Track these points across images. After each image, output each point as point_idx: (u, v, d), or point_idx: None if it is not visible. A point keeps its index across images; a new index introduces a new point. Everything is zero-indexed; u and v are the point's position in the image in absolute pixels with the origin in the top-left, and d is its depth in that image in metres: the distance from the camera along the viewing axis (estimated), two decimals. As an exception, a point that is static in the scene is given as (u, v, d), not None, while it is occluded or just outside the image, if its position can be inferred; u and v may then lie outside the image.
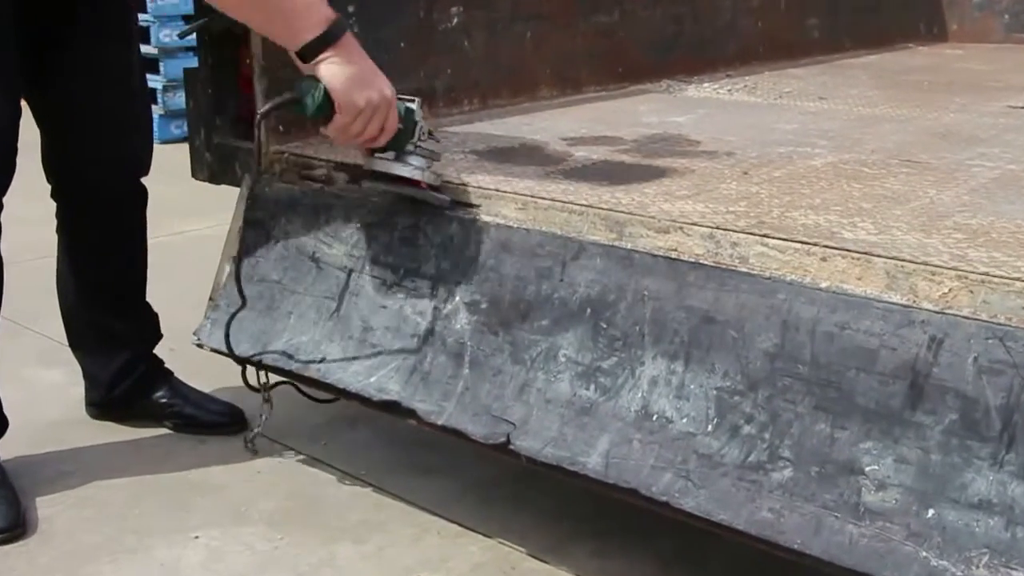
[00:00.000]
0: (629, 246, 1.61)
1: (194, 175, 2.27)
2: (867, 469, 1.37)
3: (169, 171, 2.66)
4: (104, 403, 2.32)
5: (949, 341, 1.33)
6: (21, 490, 2.03)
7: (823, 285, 1.44)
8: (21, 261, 2.40)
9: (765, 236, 1.51)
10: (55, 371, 2.57)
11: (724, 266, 1.52)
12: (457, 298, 1.77)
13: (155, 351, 2.35)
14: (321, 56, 1.65)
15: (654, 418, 1.54)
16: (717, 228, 1.55)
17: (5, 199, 1.97)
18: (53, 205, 2.21)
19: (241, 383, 2.09)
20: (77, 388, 2.37)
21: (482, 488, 2.08)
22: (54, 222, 2.23)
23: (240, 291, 1.91)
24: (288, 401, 2.19)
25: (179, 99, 5.13)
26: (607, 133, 2.26)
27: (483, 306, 1.74)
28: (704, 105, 2.64)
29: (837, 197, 1.72)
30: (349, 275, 1.92)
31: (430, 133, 1.79)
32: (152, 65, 5.16)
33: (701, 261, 1.54)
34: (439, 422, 1.73)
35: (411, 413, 1.77)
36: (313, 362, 1.90)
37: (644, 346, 1.57)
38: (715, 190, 1.77)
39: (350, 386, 1.85)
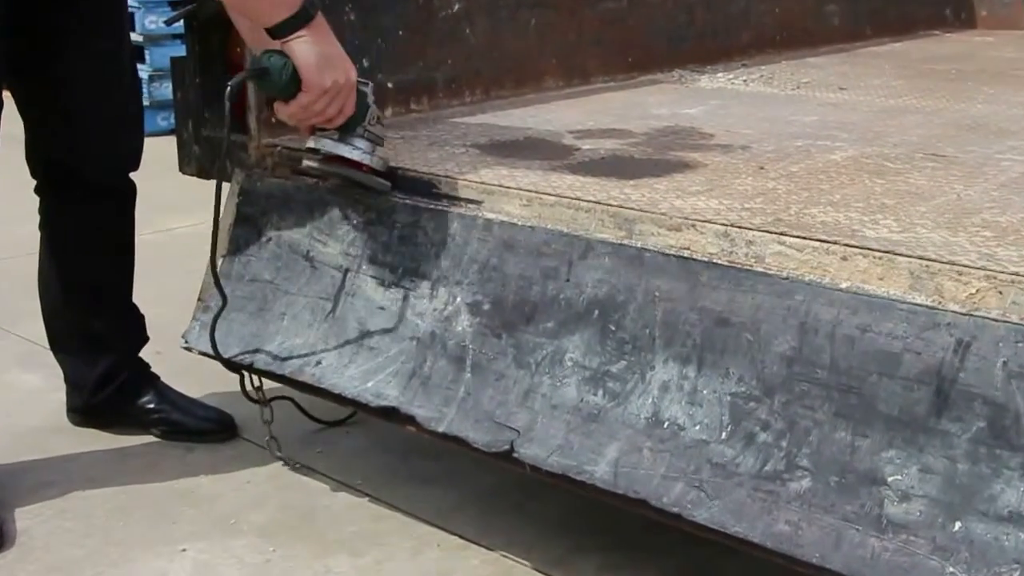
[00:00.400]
0: (639, 244, 1.61)
1: (182, 169, 2.28)
2: (890, 479, 1.37)
3: (156, 165, 2.65)
4: (87, 409, 2.33)
5: (977, 344, 1.33)
6: None
7: (843, 286, 1.44)
8: (1, 259, 2.40)
9: (782, 234, 1.52)
10: (35, 375, 2.58)
11: (739, 266, 1.52)
12: (458, 299, 1.77)
13: (141, 354, 2.35)
14: (293, 35, 1.72)
15: (665, 425, 1.54)
16: (732, 226, 1.55)
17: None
18: (36, 200, 2.22)
19: (231, 388, 2.09)
20: (59, 393, 2.37)
21: (484, 499, 2.09)
22: (37, 218, 2.24)
23: (219, 287, 1.92)
24: (280, 406, 2.19)
25: (166, 89, 5.14)
26: (616, 126, 2.27)
27: (486, 307, 1.74)
28: (718, 96, 2.64)
29: (858, 193, 1.73)
30: (345, 275, 1.92)
31: (379, 119, 1.86)
32: (137, 53, 5.16)
33: (715, 260, 1.54)
34: (439, 429, 1.73)
35: (410, 419, 1.77)
36: (307, 366, 1.91)
37: (655, 349, 1.57)
38: (729, 186, 1.77)
39: (346, 391, 1.85)
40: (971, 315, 1.35)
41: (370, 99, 1.84)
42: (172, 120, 4.86)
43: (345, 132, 1.83)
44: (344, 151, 1.83)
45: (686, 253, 1.57)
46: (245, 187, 2.07)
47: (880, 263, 1.43)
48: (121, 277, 2.30)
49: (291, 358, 1.94)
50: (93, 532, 1.99)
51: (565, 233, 1.68)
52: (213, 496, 2.11)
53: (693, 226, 1.58)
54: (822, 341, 1.43)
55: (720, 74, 2.92)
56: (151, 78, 5.28)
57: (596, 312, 1.63)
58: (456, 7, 2.39)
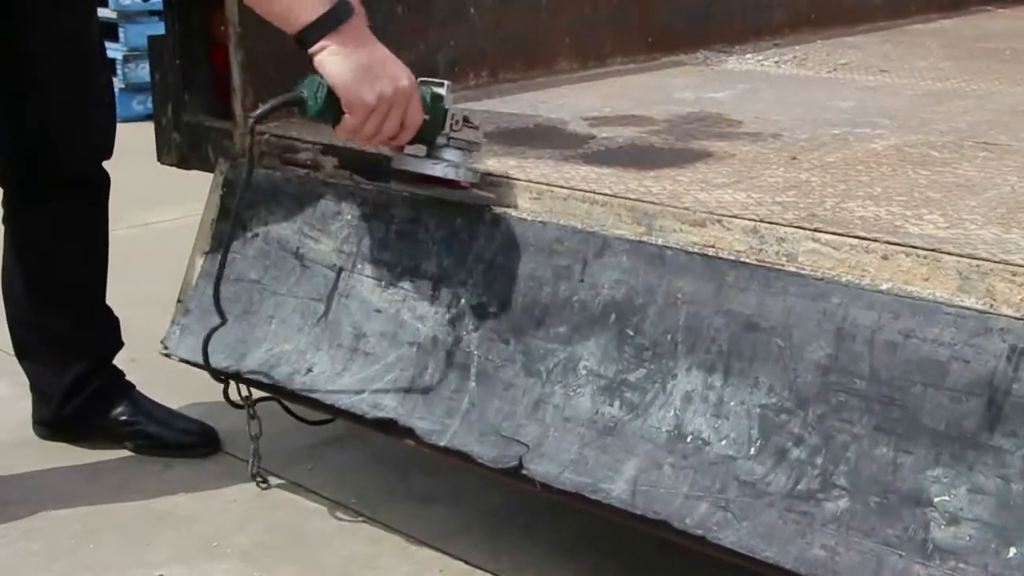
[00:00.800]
0: (660, 242, 1.62)
1: (160, 158, 2.29)
2: (936, 500, 1.37)
3: (131, 153, 2.66)
4: (55, 421, 2.34)
5: (1031, 352, 1.34)
6: (-40, 521, 2.05)
7: (884, 287, 1.44)
8: (-39, 257, 2.41)
9: (816, 231, 1.52)
10: (-1, 384, 2.59)
11: (769, 265, 1.52)
12: (463, 301, 1.78)
13: (114, 361, 2.36)
14: (320, 44, 1.62)
15: (688, 439, 1.55)
16: (761, 221, 1.56)
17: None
18: (-2, 192, 2.23)
19: (213, 398, 2.10)
20: (24, 403, 2.38)
21: (490, 519, 2.09)
22: None
23: (218, 305, 1.88)
24: (267, 418, 2.20)
25: (142, 71, 5.16)
26: (635, 112, 2.27)
27: (492, 310, 1.75)
28: (747, 79, 2.65)
29: (901, 185, 1.73)
30: (339, 274, 1.93)
31: (465, 120, 1.75)
32: (110, 31, 5.18)
33: (742, 259, 1.54)
34: (441, 443, 1.74)
35: (409, 432, 1.78)
36: (297, 374, 1.91)
37: (677, 356, 1.57)
38: (759, 177, 1.78)
39: (339, 401, 1.86)
40: (1025, 319, 1.35)
41: (448, 102, 1.73)
42: (149, 105, 4.87)
43: (425, 144, 1.73)
44: (426, 168, 1.73)
45: (711, 251, 1.57)
46: (230, 178, 2.08)
47: (925, 262, 1.43)
48: (93, 276, 2.31)
49: (279, 365, 1.94)
50: (61, 556, 2.00)
51: (579, 229, 1.69)
52: (193, 516, 2.11)
53: (719, 221, 1.58)
54: (861, 348, 1.43)
55: (749, 55, 2.92)
56: (126, 58, 5.30)
57: (613, 316, 1.63)
58: (460, -18, 2.39)
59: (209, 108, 2.20)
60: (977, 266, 1.40)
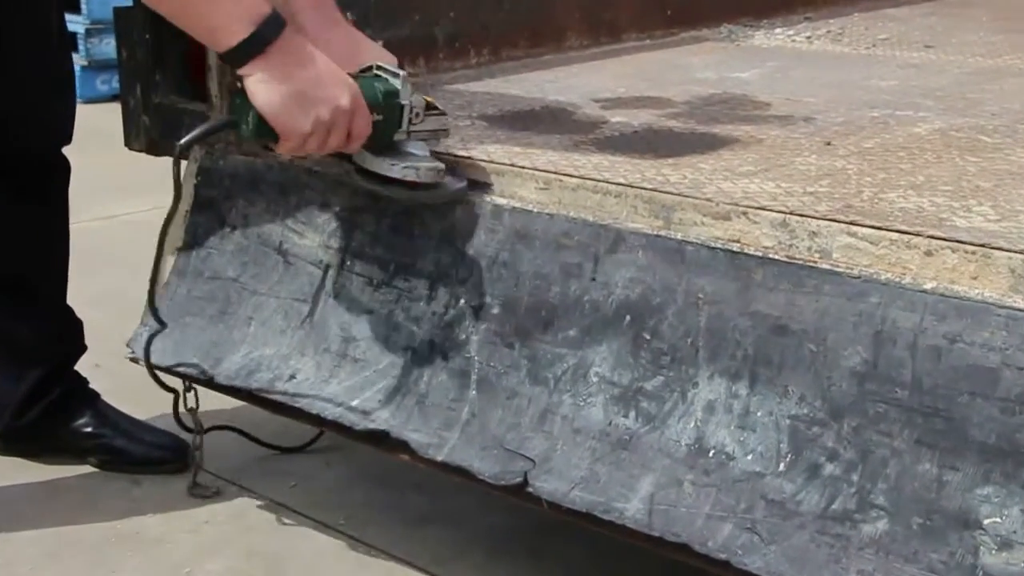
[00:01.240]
0: (679, 236, 1.62)
1: (128, 144, 2.29)
2: (986, 522, 1.37)
3: (95, 138, 2.68)
4: (10, 433, 2.34)
5: (1090, 358, 1.34)
6: (-93, 543, 2.05)
7: (928, 286, 1.44)
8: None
9: (853, 224, 1.52)
10: (-50, 392, 2.59)
11: (800, 262, 1.53)
12: (462, 301, 1.79)
13: (76, 367, 2.37)
14: (246, 69, 1.62)
15: (711, 454, 1.55)
16: (791, 214, 1.56)
17: None
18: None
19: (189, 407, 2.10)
20: (-22, 414, 2.39)
21: (491, 541, 2.10)
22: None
23: (154, 310, 1.89)
24: (245, 428, 2.21)
25: (107, 46, 5.17)
26: (652, 93, 2.28)
27: (494, 311, 1.76)
28: (776, 56, 2.65)
29: (947, 174, 1.73)
30: (326, 272, 1.94)
31: (428, 107, 1.76)
32: (71, 2, 5.19)
33: (770, 255, 1.55)
34: (439, 458, 1.74)
35: (403, 446, 1.78)
36: (279, 381, 1.92)
37: (698, 363, 1.58)
38: (789, 165, 1.78)
39: (326, 411, 1.86)
40: (1083, 322, 1.35)
41: (404, 96, 1.73)
42: (115, 84, 4.86)
43: (382, 144, 1.74)
44: (383, 168, 1.73)
45: (736, 247, 1.58)
46: (205, 165, 2.09)
47: (973, 259, 1.44)
48: (51, 273, 2.31)
49: (259, 371, 1.95)
50: (19, 581, 2.01)
51: (590, 222, 1.69)
52: (162, 539, 2.12)
53: (744, 214, 1.59)
54: (901, 353, 1.44)
55: (778, 29, 2.93)
56: (88, 32, 5.31)
57: (627, 317, 1.64)
58: (459, -52, 2.40)
59: (182, 88, 2.20)
60: (1031, 263, 1.41)
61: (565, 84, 2.35)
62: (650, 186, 1.69)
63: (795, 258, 1.53)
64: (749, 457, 1.52)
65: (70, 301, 2.35)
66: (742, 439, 1.53)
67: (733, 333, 1.56)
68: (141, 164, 2.43)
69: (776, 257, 1.55)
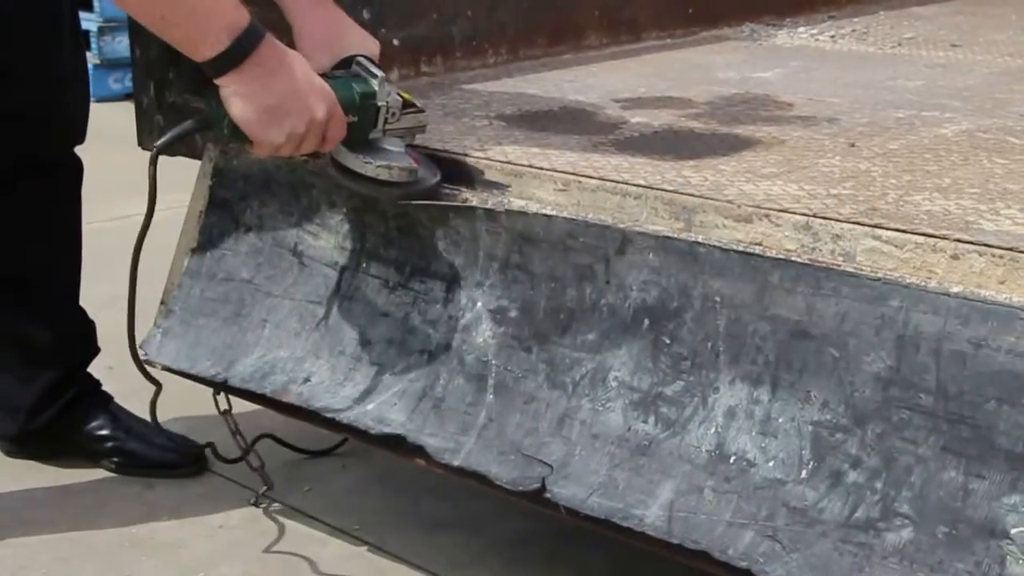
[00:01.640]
0: (700, 238, 1.62)
1: (141, 143, 2.30)
2: (1013, 532, 1.37)
3: (108, 137, 2.69)
4: (23, 436, 2.36)
5: (1120, 364, 1.34)
6: (-82, 547, 2.06)
7: (954, 290, 1.44)
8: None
9: (877, 227, 1.52)
10: (-38, 394, 2.61)
11: (823, 264, 1.52)
12: (479, 304, 1.79)
13: (89, 370, 2.38)
14: (223, 80, 1.64)
15: (732, 460, 1.55)
16: (815, 216, 1.56)
17: None
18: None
19: (200, 412, 2.11)
20: (-10, 416, 2.40)
21: (508, 548, 2.10)
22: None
23: (142, 370, 1.92)
24: (258, 433, 2.21)
25: (120, 45, 5.19)
26: (672, 93, 2.28)
27: (512, 314, 1.76)
28: (799, 56, 2.65)
29: (974, 176, 1.73)
30: (341, 274, 1.94)
31: (405, 106, 1.79)
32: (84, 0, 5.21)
33: (793, 258, 1.54)
34: (455, 462, 1.75)
35: (419, 451, 1.79)
36: (293, 384, 1.93)
37: (719, 367, 1.58)
38: (812, 167, 1.78)
39: (341, 415, 1.87)
40: (1114, 328, 1.35)
41: (380, 98, 1.75)
42: (128, 83, 4.87)
43: (358, 143, 1.76)
44: (356, 165, 1.75)
45: (758, 249, 1.57)
46: (220, 166, 2.10)
47: (1001, 263, 1.43)
48: (64, 274, 2.33)
49: (273, 374, 1.96)
50: (31, 586, 2.02)
51: (610, 224, 1.68)
52: (176, 544, 2.13)
53: (767, 216, 1.59)
54: (926, 358, 1.43)
55: (802, 28, 2.92)
56: (101, 30, 5.33)
57: (646, 321, 1.64)
58: (478, -55, 2.40)
59: (196, 87, 2.20)
60: (1059, 267, 1.40)
61: (584, 84, 2.35)
62: (670, 188, 1.68)
63: (818, 261, 1.52)
64: (771, 464, 1.52)
65: (83, 302, 2.36)
66: (763, 445, 1.53)
67: (753, 337, 1.55)
68: (155, 164, 2.43)
69: (792, 259, 1.54)
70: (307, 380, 1.92)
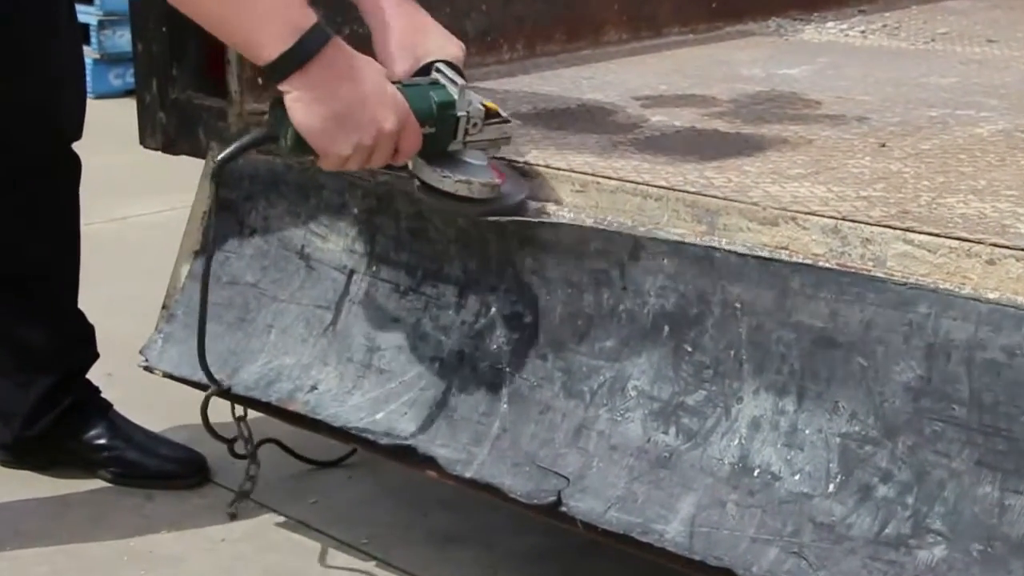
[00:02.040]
0: (724, 242, 1.62)
1: (143, 141, 2.31)
2: (1050, 549, 1.37)
3: (108, 135, 2.70)
4: (18, 445, 2.36)
5: None
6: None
7: (990, 296, 1.44)
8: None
9: (909, 230, 1.51)
10: (-45, 401, 2.61)
11: (844, 268, 1.52)
12: (493, 310, 1.79)
13: (88, 376, 2.38)
14: (287, 84, 1.58)
15: (756, 473, 1.55)
16: (843, 219, 1.56)
17: None
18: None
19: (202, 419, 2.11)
20: (-16, 424, 2.41)
21: (523, 563, 2.10)
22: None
23: (203, 365, 1.88)
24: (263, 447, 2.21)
25: (121, 39, 5.20)
26: (695, 91, 2.28)
27: (527, 320, 1.76)
28: (827, 52, 2.64)
29: (1011, 178, 1.72)
30: (350, 277, 1.94)
31: (488, 115, 1.72)
32: (85, -7, 5.22)
33: (820, 263, 1.54)
34: (467, 474, 1.75)
35: (430, 461, 1.79)
36: (299, 392, 1.93)
37: (743, 376, 1.58)
38: (841, 168, 1.78)
39: (349, 424, 1.87)
40: None
41: (460, 107, 1.68)
42: (129, 79, 4.88)
43: (436, 155, 1.70)
44: (434, 180, 1.69)
45: (784, 254, 1.57)
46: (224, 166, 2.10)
47: (1038, 268, 1.43)
48: (61, 276, 2.33)
49: (279, 381, 1.96)
50: (26, 600, 2.03)
51: (630, 227, 1.68)
52: (177, 558, 2.13)
53: (793, 219, 1.58)
54: (957, 368, 1.43)
55: (830, 23, 2.92)
56: (101, 24, 5.34)
57: (666, 328, 1.64)
58: (493, -64, 2.40)
59: (200, 83, 2.22)
60: (1099, 273, 1.40)
61: (603, 81, 2.35)
62: (693, 189, 1.68)
63: (847, 266, 1.52)
64: (796, 477, 1.52)
65: (81, 306, 2.37)
66: (789, 458, 1.53)
67: (777, 345, 1.55)
68: (156, 163, 2.44)
69: (811, 263, 1.54)
70: (314, 388, 1.92)
